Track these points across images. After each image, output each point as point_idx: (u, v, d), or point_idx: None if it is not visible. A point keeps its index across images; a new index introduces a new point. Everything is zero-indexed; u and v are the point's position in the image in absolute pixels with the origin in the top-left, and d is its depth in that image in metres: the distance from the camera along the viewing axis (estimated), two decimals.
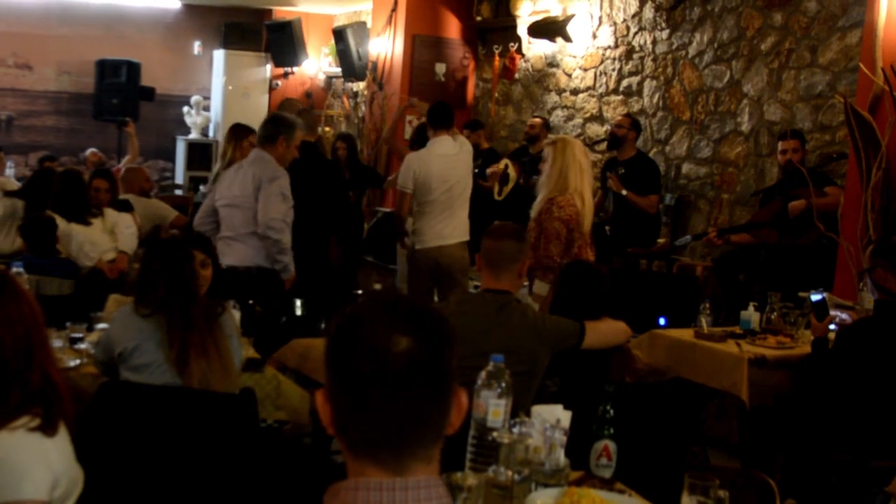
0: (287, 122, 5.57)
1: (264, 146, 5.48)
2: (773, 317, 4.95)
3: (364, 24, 11.03)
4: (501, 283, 3.53)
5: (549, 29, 8.86)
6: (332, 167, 7.35)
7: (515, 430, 2.51)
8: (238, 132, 6.72)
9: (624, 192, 7.07)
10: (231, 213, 5.47)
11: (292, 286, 5.53)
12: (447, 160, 6.15)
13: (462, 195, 6.23)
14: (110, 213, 6.34)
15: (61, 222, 5.92)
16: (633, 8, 8.21)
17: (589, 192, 5.25)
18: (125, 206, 6.55)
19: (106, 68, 11.24)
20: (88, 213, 6.19)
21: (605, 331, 3.73)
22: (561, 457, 2.48)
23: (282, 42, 12.11)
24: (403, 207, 6.20)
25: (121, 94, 11.04)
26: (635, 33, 8.21)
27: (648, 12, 8.06)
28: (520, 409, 2.65)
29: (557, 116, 9.08)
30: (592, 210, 5.29)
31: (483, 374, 2.49)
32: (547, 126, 8.62)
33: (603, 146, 7.64)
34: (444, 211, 6.15)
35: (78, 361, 3.79)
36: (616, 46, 8.41)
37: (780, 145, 6.23)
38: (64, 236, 5.93)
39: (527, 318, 3.50)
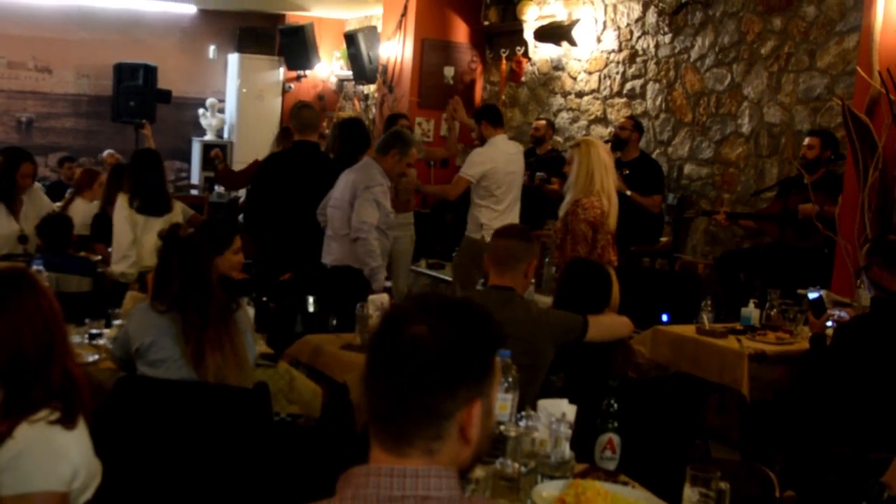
0: (404, 139, 5.75)
1: (378, 155, 5.70)
2: (772, 313, 4.98)
3: (375, 28, 11.09)
4: (506, 281, 3.60)
5: (554, 33, 8.93)
6: (332, 166, 7.45)
7: (522, 423, 2.57)
8: (289, 135, 6.81)
9: (628, 193, 7.14)
10: (333, 213, 5.71)
11: (300, 283, 5.61)
12: (510, 157, 6.46)
13: (519, 190, 6.55)
14: (178, 208, 5.86)
15: (127, 212, 5.58)
16: (637, 13, 8.28)
17: (614, 190, 5.31)
18: None
19: (123, 72, 11.32)
20: (165, 206, 5.67)
21: (607, 324, 3.78)
22: (566, 449, 2.51)
23: (295, 46, 12.20)
24: (457, 190, 6.43)
25: (138, 96, 11.12)
26: (638, 37, 8.28)
27: (651, 17, 8.13)
28: (526, 403, 2.70)
29: (563, 118, 9.15)
30: (617, 208, 5.34)
31: None
32: (552, 127, 8.70)
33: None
34: (511, 203, 6.42)
35: (96, 357, 3.82)
36: (620, 50, 8.48)
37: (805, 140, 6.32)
38: (121, 232, 5.54)
39: (531, 312, 3.57)
